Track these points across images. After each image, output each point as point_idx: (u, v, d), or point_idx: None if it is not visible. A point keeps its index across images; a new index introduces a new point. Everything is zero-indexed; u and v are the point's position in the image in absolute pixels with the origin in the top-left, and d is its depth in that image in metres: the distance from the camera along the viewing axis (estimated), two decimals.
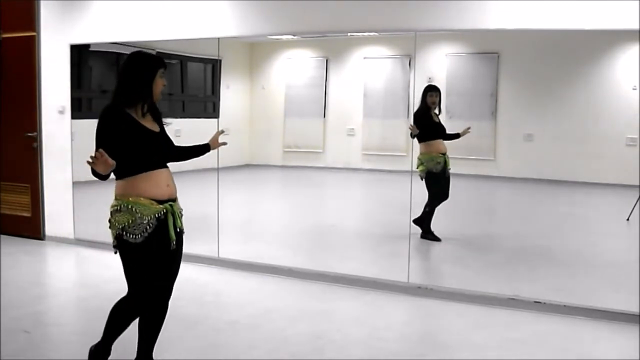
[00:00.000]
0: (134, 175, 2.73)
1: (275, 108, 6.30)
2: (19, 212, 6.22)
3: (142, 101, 2.77)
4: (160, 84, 2.81)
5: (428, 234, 5.06)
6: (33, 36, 5.96)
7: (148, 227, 2.70)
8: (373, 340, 3.57)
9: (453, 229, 5.38)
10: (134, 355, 2.97)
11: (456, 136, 5.00)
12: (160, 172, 2.81)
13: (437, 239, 5.07)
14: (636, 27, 3.77)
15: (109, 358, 2.97)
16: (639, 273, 3.95)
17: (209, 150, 3.22)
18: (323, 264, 4.90)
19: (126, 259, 2.77)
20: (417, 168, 4.96)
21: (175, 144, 3.03)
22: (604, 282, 4.37)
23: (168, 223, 2.75)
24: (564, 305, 4.03)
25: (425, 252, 5.07)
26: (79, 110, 6.02)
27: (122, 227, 2.69)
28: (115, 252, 2.77)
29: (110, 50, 5.91)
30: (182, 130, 5.54)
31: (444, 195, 5.02)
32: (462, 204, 5.54)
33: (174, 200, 2.85)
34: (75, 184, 5.89)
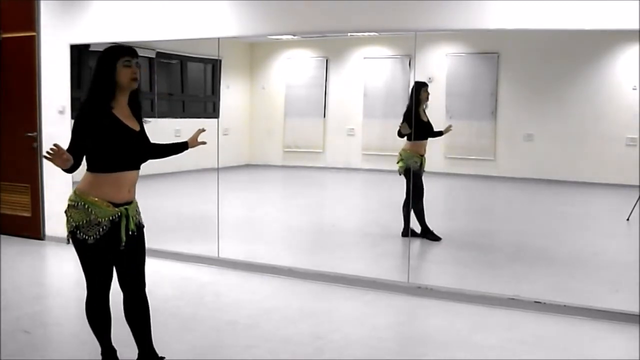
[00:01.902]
0: (103, 173, 2.78)
1: (275, 108, 6.30)
2: (19, 212, 6.22)
3: (109, 94, 2.78)
4: (125, 73, 2.78)
5: (427, 234, 5.05)
6: (33, 36, 5.96)
7: (101, 230, 2.76)
8: (373, 340, 3.57)
9: (453, 229, 5.38)
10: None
11: (439, 134, 5.01)
12: (128, 176, 2.83)
13: (437, 239, 5.06)
14: (636, 27, 3.77)
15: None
16: (639, 273, 3.95)
17: (186, 149, 3.22)
18: (323, 264, 4.90)
19: (81, 257, 2.85)
20: (397, 163, 4.98)
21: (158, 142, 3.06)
22: (604, 282, 4.37)
23: (121, 226, 2.80)
24: (564, 305, 4.03)
25: (425, 252, 5.08)
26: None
27: (76, 225, 2.76)
28: (68, 243, 2.84)
29: None
30: (182, 130, 5.55)
31: (421, 194, 5.02)
32: (462, 203, 5.55)
33: (130, 202, 2.88)
34: (75, 184, 5.88)
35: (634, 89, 4.62)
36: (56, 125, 5.94)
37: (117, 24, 5.52)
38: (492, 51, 5.14)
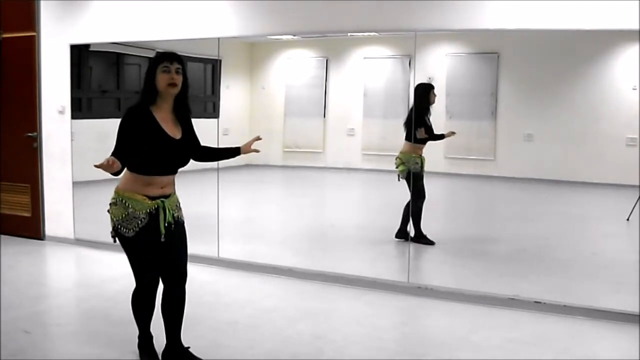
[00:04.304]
0: (140, 175, 2.88)
1: (275, 108, 6.29)
2: (19, 212, 6.22)
3: (149, 99, 2.90)
4: (162, 79, 2.88)
5: (421, 238, 5.01)
6: (33, 36, 5.96)
7: (139, 222, 2.87)
8: (373, 340, 3.58)
9: (453, 229, 5.38)
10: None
11: (441, 137, 5.00)
12: (162, 178, 2.94)
13: (430, 243, 5.03)
14: (636, 27, 3.77)
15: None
16: (639, 273, 3.95)
17: (238, 154, 3.27)
18: (323, 264, 4.90)
19: (126, 251, 2.97)
20: (397, 167, 4.95)
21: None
22: (604, 282, 4.37)
23: (159, 218, 2.91)
24: (564, 305, 4.03)
25: (426, 252, 5.07)
26: (79, 110, 6.02)
27: (117, 221, 2.89)
28: (115, 241, 2.97)
29: (110, 50, 5.91)
30: None
31: (423, 195, 4.99)
32: (462, 204, 5.55)
33: (167, 196, 2.97)
34: (75, 184, 5.89)
35: (634, 89, 4.62)
36: (56, 125, 5.94)
37: (117, 24, 5.52)
38: (492, 51, 5.14)
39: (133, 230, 2.86)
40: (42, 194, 6.12)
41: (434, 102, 4.88)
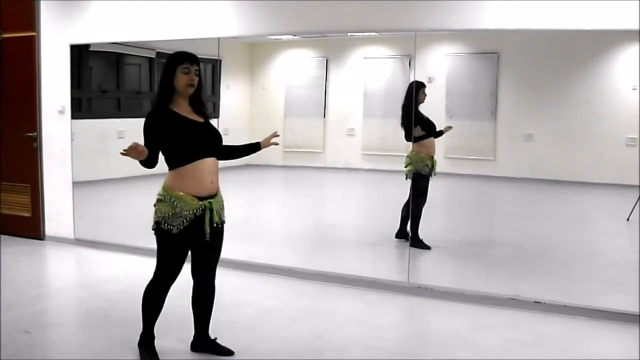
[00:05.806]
0: (182, 167, 2.96)
1: (275, 108, 6.29)
2: (19, 212, 6.22)
3: (167, 97, 3.00)
4: (182, 79, 2.99)
5: (417, 242, 4.98)
6: (33, 36, 5.96)
7: (185, 221, 2.96)
8: (373, 340, 3.58)
9: (453, 229, 5.38)
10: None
11: (440, 133, 4.99)
12: (205, 164, 3.00)
13: (426, 247, 5.01)
14: (636, 27, 3.77)
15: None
16: (639, 273, 3.95)
17: (259, 149, 3.42)
18: (323, 264, 4.90)
19: (161, 245, 3.04)
20: (405, 167, 4.93)
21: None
22: (604, 282, 4.37)
23: (205, 218, 2.99)
24: (564, 305, 4.03)
25: (425, 252, 5.07)
26: (79, 110, 6.02)
27: (162, 217, 2.96)
28: (153, 231, 3.03)
29: (110, 50, 5.91)
30: None
31: (424, 197, 4.96)
32: (462, 204, 5.55)
33: (215, 195, 3.06)
34: (75, 184, 5.88)
35: (634, 89, 4.62)
36: (56, 125, 5.94)
37: (117, 24, 5.52)
38: (492, 51, 5.13)
39: (177, 227, 2.95)
40: (42, 194, 6.12)
41: (423, 101, 4.84)
